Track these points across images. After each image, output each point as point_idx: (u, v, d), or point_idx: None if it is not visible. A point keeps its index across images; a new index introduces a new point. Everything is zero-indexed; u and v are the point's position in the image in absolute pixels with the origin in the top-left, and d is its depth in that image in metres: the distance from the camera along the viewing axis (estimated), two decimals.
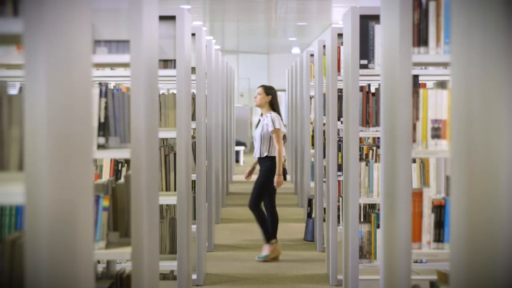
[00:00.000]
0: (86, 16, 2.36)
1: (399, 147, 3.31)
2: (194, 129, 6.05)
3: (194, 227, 5.98)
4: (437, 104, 3.34)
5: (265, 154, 6.95)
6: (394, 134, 3.40)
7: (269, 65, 26.29)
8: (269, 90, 7.10)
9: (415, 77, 3.45)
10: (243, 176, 7.39)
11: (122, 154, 3.30)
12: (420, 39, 3.35)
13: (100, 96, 3.29)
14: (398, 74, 3.30)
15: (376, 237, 5.19)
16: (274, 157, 6.93)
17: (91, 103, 2.44)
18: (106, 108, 3.30)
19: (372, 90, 5.31)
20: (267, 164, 6.98)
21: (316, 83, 7.35)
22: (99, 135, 3.28)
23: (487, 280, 2.02)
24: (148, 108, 3.40)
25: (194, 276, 5.99)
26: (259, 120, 7.19)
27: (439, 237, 3.40)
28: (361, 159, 5.36)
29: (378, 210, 5.44)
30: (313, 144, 8.87)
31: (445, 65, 4.45)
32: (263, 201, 7.08)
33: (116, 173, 5.36)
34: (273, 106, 7.09)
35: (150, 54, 3.46)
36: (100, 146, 3.28)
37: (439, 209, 3.40)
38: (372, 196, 5.26)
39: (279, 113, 7.05)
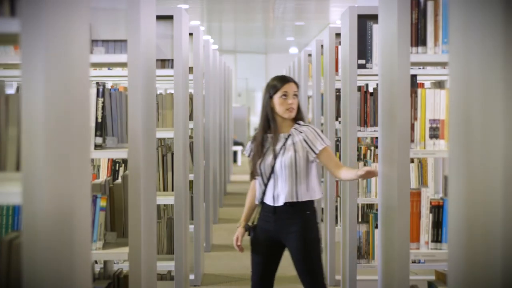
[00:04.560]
0: (83, 15, 2.35)
1: (397, 147, 3.31)
2: (192, 129, 6.04)
3: (191, 227, 5.97)
4: (435, 104, 3.34)
5: (304, 197, 4.00)
6: (392, 134, 3.39)
7: (267, 65, 26.30)
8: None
9: (413, 76, 3.45)
10: (235, 242, 4.14)
11: (119, 154, 3.30)
12: (418, 38, 3.35)
13: (98, 96, 3.28)
14: (396, 74, 3.30)
15: (374, 237, 5.19)
16: (313, 201, 4.05)
17: (88, 103, 2.43)
18: (103, 108, 3.29)
19: (370, 90, 5.31)
20: (309, 212, 4.02)
21: (314, 83, 7.34)
22: (96, 135, 3.27)
23: (485, 280, 2.02)
24: (145, 108, 3.40)
25: (191, 277, 5.98)
26: (262, 141, 4.10)
27: (437, 237, 3.40)
28: (359, 159, 5.36)
29: (376, 210, 5.44)
30: None
31: (443, 64, 4.46)
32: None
33: (114, 173, 5.36)
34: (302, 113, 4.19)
35: (148, 53, 3.46)
36: (97, 146, 3.27)
37: (437, 209, 3.39)
38: (370, 196, 5.26)
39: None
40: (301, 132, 4.01)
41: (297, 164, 3.96)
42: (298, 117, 4.08)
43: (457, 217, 2.26)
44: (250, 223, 4.12)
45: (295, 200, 3.94)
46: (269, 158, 4.00)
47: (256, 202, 4.10)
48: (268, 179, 4.00)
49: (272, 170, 3.98)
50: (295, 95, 4.05)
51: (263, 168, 4.02)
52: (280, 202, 3.95)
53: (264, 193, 4.02)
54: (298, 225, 3.94)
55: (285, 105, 4.00)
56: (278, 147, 4.01)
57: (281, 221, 3.96)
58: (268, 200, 4.00)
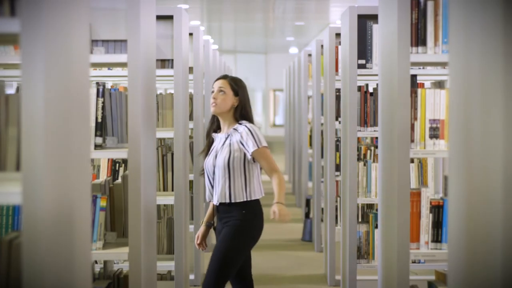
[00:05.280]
0: (83, 15, 2.35)
1: (397, 147, 3.31)
2: (192, 129, 6.04)
3: (191, 227, 5.97)
4: (435, 104, 3.34)
5: (241, 198, 3.98)
6: (392, 134, 3.39)
7: (267, 65, 26.29)
8: (238, 86, 4.14)
9: (413, 76, 3.45)
10: (195, 241, 4.24)
11: (119, 154, 3.30)
12: (418, 38, 3.35)
13: (98, 96, 3.28)
14: (396, 74, 3.30)
15: (374, 237, 5.19)
16: (255, 201, 4.01)
17: (88, 103, 2.43)
18: (103, 108, 3.29)
19: (370, 90, 5.31)
20: (245, 211, 3.99)
21: (314, 83, 7.34)
22: (96, 135, 3.27)
23: (485, 280, 2.02)
24: (145, 108, 3.40)
25: (191, 276, 5.98)
26: (211, 140, 4.18)
27: (437, 237, 3.40)
28: (359, 159, 5.36)
29: (376, 210, 5.44)
30: (311, 144, 8.87)
31: (443, 64, 4.45)
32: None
33: (114, 173, 5.36)
34: (243, 112, 4.13)
35: (148, 53, 3.46)
36: (97, 146, 3.27)
37: (437, 209, 3.39)
38: (370, 196, 5.26)
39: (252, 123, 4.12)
40: (238, 132, 4.01)
41: (230, 164, 3.96)
42: (239, 116, 4.08)
43: (457, 217, 2.25)
44: (213, 223, 4.20)
45: (227, 201, 3.97)
46: (212, 158, 4.06)
47: (207, 200, 4.14)
48: (213, 179, 4.04)
49: (214, 170, 4.03)
50: (222, 91, 4.06)
51: (207, 167, 4.08)
52: (216, 202, 4.02)
53: (212, 192, 4.06)
54: (232, 221, 3.95)
55: (211, 101, 4.10)
56: (219, 147, 4.05)
57: (222, 219, 4.03)
58: (213, 199, 4.06)
